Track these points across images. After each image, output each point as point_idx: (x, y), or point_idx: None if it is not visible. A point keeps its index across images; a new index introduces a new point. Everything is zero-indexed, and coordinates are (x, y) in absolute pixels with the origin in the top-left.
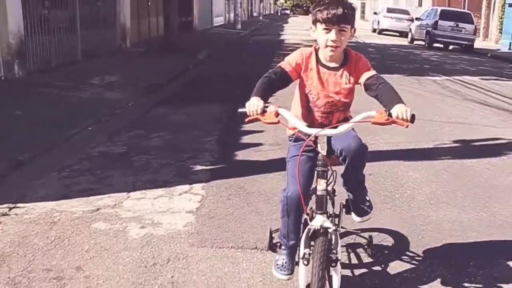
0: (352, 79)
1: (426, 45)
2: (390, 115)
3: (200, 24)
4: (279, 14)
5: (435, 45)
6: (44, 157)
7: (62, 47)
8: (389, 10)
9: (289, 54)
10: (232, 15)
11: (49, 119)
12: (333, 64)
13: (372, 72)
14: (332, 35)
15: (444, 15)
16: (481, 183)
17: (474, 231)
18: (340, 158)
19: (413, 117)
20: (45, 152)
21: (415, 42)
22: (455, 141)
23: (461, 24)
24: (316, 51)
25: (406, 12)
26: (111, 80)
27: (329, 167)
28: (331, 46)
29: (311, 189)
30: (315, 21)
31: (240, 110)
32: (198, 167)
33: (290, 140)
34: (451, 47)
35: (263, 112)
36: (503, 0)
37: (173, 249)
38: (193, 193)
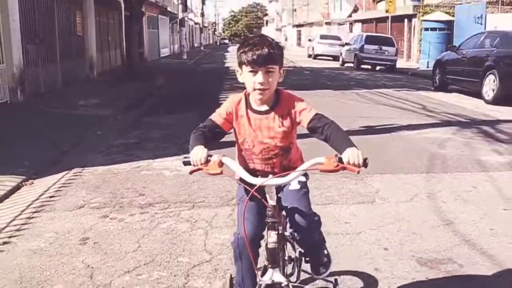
0: (286, 122)
1: (355, 66)
2: (340, 160)
3: (150, 55)
4: (218, 44)
5: (364, 66)
6: (80, 147)
7: (48, 76)
8: (322, 37)
9: (235, 79)
10: (176, 46)
11: (64, 127)
12: (264, 107)
13: (312, 113)
14: (259, 77)
15: (369, 40)
16: (376, 147)
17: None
18: (290, 227)
19: (365, 162)
20: (78, 144)
21: (346, 64)
22: (363, 127)
23: (384, 47)
24: (246, 96)
25: (338, 38)
26: (94, 102)
27: (279, 218)
28: (259, 89)
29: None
30: (240, 64)
31: (184, 159)
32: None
33: (234, 179)
34: (378, 67)
35: (207, 161)
36: (421, 24)
37: (191, 177)
38: None
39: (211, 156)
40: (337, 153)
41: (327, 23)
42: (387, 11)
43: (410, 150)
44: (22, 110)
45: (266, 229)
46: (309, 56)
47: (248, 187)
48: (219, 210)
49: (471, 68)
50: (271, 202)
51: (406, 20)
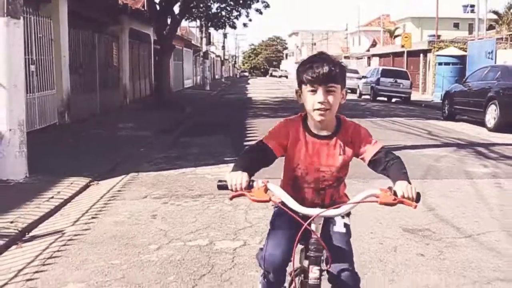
0: (348, 150)
1: (371, 98)
2: (395, 193)
3: (175, 86)
4: (238, 76)
5: (380, 98)
6: (130, 160)
7: (89, 102)
8: None
9: (259, 108)
10: (198, 77)
11: (111, 146)
12: (324, 133)
13: (378, 146)
14: (319, 96)
15: (385, 73)
16: None
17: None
18: (328, 275)
19: (418, 196)
20: (128, 158)
21: (363, 96)
22: None
23: (399, 80)
24: (303, 119)
25: (355, 72)
26: (131, 126)
27: (324, 252)
28: (320, 109)
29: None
30: (300, 83)
31: (219, 183)
32: (227, 156)
33: (274, 206)
34: (393, 100)
35: (249, 187)
36: (435, 59)
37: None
38: (228, 165)
39: (253, 181)
40: (391, 185)
41: (345, 57)
42: (403, 46)
43: (409, 163)
44: (70, 132)
45: (307, 263)
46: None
47: (297, 217)
48: None
49: (475, 99)
50: (317, 234)
51: (421, 55)
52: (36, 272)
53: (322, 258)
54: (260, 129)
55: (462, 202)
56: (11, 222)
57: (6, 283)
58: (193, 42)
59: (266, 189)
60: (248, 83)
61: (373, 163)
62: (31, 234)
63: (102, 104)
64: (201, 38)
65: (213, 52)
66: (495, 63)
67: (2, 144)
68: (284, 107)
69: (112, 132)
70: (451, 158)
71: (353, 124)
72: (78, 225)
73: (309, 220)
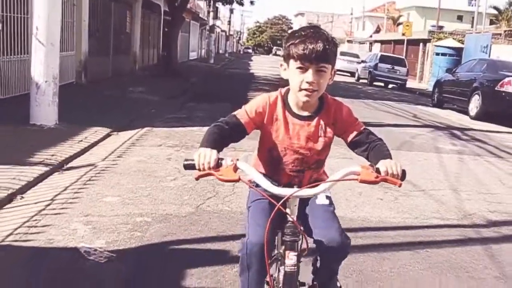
0: (329, 131)
1: (368, 82)
2: (378, 171)
3: (180, 57)
4: (241, 52)
5: (377, 83)
6: (142, 118)
7: (103, 66)
8: (342, 54)
9: (261, 83)
10: (203, 51)
11: (124, 105)
12: (305, 113)
13: (360, 126)
14: (309, 75)
15: (383, 59)
16: None
17: None
18: (316, 247)
19: (404, 173)
20: (141, 116)
21: (361, 80)
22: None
23: (396, 67)
24: (283, 96)
25: (356, 56)
26: (141, 90)
27: (300, 236)
28: (307, 90)
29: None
30: (287, 57)
31: (185, 162)
32: None
33: (249, 187)
34: (390, 86)
35: (218, 165)
36: (434, 49)
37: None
38: None
39: (222, 159)
40: (371, 163)
41: (349, 41)
42: (403, 34)
43: (389, 138)
44: (87, 91)
45: (283, 248)
46: None
47: (269, 198)
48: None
49: (462, 88)
50: (293, 216)
51: (421, 44)
52: (80, 188)
53: (299, 242)
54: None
55: (425, 169)
56: (52, 155)
57: (59, 193)
58: (200, 15)
59: (236, 168)
60: (251, 60)
61: (354, 144)
62: (68, 165)
63: (114, 68)
64: (208, 12)
65: (218, 27)
66: (489, 57)
67: (38, 93)
68: (285, 85)
69: (124, 94)
70: (426, 136)
71: (335, 103)
72: (107, 161)
73: (282, 200)
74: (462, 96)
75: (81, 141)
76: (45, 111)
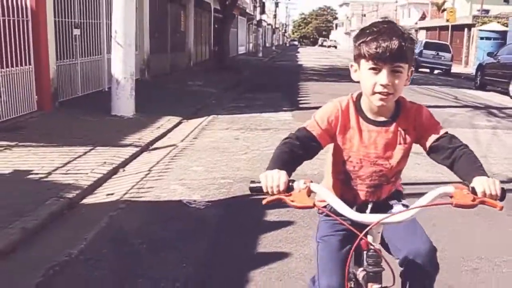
0: (409, 138)
1: (414, 69)
2: (473, 191)
3: (230, 52)
4: (287, 45)
5: (422, 70)
6: (206, 108)
7: (162, 63)
8: None
9: (309, 73)
10: (251, 45)
11: (187, 98)
12: (381, 118)
13: (441, 130)
14: (383, 77)
15: (427, 46)
16: None
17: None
18: (400, 265)
19: (503, 193)
20: (205, 107)
21: None
22: None
23: (440, 53)
24: (355, 101)
25: None
26: (199, 83)
27: (384, 267)
28: (381, 93)
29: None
30: (358, 57)
31: (252, 184)
32: (284, 108)
33: (319, 213)
34: (435, 71)
35: (288, 189)
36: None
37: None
38: (286, 112)
39: (293, 181)
40: (466, 181)
41: None
42: (447, 20)
43: None
44: (152, 86)
45: (363, 278)
46: None
47: (350, 227)
48: None
49: (503, 71)
50: (375, 244)
51: (466, 29)
52: (169, 162)
53: (381, 273)
54: (311, 89)
55: None
56: (139, 139)
57: (153, 166)
58: (247, 10)
59: (310, 191)
60: (298, 52)
61: (435, 150)
62: (153, 146)
63: (171, 65)
64: (254, 7)
65: (264, 21)
66: None
67: (118, 88)
68: (332, 74)
69: (185, 87)
70: (464, 115)
71: (415, 106)
72: (185, 142)
73: (365, 231)
74: (504, 78)
75: (159, 127)
76: (125, 103)
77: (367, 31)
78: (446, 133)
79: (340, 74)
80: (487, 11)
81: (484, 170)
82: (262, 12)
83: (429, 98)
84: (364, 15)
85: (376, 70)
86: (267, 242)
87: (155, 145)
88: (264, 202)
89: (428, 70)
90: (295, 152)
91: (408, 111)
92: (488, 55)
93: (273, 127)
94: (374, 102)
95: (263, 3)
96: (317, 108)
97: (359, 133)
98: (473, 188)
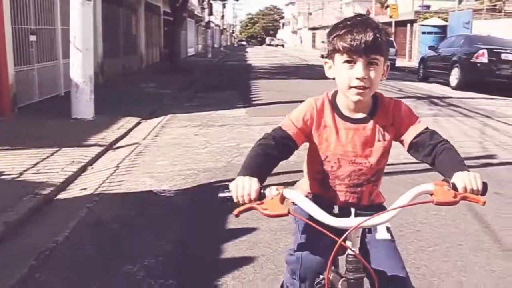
0: (387, 135)
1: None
2: (454, 187)
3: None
4: (235, 45)
5: None
6: (162, 108)
7: (115, 65)
8: None
9: (259, 72)
10: (199, 46)
11: (143, 99)
12: (359, 115)
13: (422, 126)
14: (359, 70)
15: None
16: None
17: None
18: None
19: (485, 187)
20: (161, 107)
21: None
22: None
23: None
24: (331, 99)
25: None
26: (153, 85)
27: (364, 272)
28: (357, 87)
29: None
30: (332, 52)
31: (222, 194)
32: (238, 105)
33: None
34: None
35: (260, 197)
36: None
37: (236, 114)
38: (240, 109)
39: (265, 188)
40: (446, 177)
41: None
42: (390, 17)
43: None
44: (107, 89)
45: (343, 286)
46: (322, 56)
47: (327, 233)
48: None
49: (443, 63)
50: (355, 249)
51: (408, 24)
52: (135, 158)
53: (362, 279)
54: (262, 87)
55: None
56: (102, 139)
57: (120, 162)
58: (195, 12)
59: (283, 198)
60: (247, 51)
61: (415, 147)
62: (117, 145)
63: (124, 68)
64: (202, 8)
65: (212, 22)
66: (471, 32)
67: (78, 92)
68: (281, 72)
69: (139, 89)
70: (409, 105)
71: (393, 101)
72: (147, 140)
73: (344, 235)
74: (444, 70)
75: (120, 128)
76: (84, 106)
77: (341, 25)
78: (427, 128)
79: (288, 72)
80: (428, 7)
81: (465, 164)
82: (210, 13)
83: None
84: (310, 14)
85: (351, 63)
86: (236, 220)
87: (118, 144)
88: (235, 213)
89: None
90: (270, 154)
91: (386, 106)
92: (430, 49)
93: (229, 123)
94: (350, 97)
95: (211, 5)
96: (269, 104)
97: (336, 132)
98: (453, 184)
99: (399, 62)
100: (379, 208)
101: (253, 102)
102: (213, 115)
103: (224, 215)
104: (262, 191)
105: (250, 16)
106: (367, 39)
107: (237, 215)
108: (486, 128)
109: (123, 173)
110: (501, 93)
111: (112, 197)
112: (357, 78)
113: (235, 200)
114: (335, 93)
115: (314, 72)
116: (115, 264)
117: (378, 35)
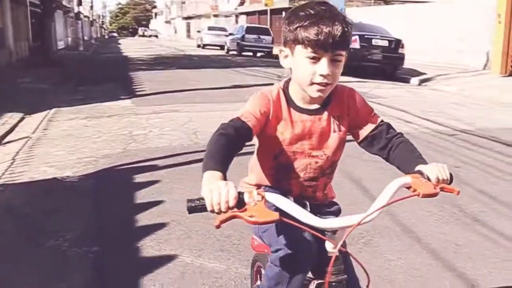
0: (343, 125)
1: (238, 53)
2: (428, 179)
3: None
4: (107, 37)
5: (246, 53)
6: (45, 103)
7: None
8: (210, 28)
9: (137, 64)
10: (69, 39)
11: (22, 95)
12: (313, 106)
13: (378, 119)
14: (323, 66)
15: (249, 30)
16: (235, 90)
17: None
18: None
19: (451, 177)
20: (43, 102)
21: (230, 52)
22: (232, 86)
23: (262, 36)
24: (284, 90)
25: (224, 30)
26: (29, 80)
27: (344, 274)
28: (320, 84)
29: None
30: (293, 42)
31: (190, 203)
32: (122, 96)
33: (264, 189)
34: (258, 54)
35: (240, 203)
36: None
37: (123, 105)
38: (125, 100)
39: (241, 193)
40: (403, 170)
41: (215, 15)
42: (266, 5)
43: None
44: None
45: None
46: (198, 46)
47: (321, 236)
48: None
49: None
50: (334, 249)
51: (284, 12)
52: (30, 150)
53: (345, 281)
54: (143, 78)
55: None
56: None
57: (15, 155)
58: (63, 3)
59: (265, 202)
60: (119, 43)
61: (370, 140)
62: (5, 140)
63: None
64: None
65: (81, 13)
66: None
67: None
68: (159, 62)
69: (15, 84)
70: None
71: (346, 89)
72: (37, 133)
73: (343, 238)
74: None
75: (4, 124)
76: None
77: (302, 13)
78: (382, 121)
79: (167, 62)
80: None
81: (424, 158)
82: (80, 3)
83: (255, 78)
84: (184, 2)
85: (315, 59)
86: (142, 195)
87: (6, 139)
88: (216, 224)
89: (251, 54)
90: (232, 144)
91: (340, 95)
92: None
93: (118, 113)
94: (310, 93)
95: None
96: (154, 94)
97: (291, 124)
98: (428, 176)
99: (275, 50)
100: (333, 205)
101: (137, 93)
102: (99, 107)
103: (130, 192)
104: (240, 196)
105: (120, 6)
106: (335, 34)
107: (218, 227)
108: None
109: (21, 165)
110: (373, 77)
111: (17, 186)
112: (321, 75)
113: (209, 209)
114: (287, 84)
115: (193, 62)
116: (38, 240)
117: (346, 28)
